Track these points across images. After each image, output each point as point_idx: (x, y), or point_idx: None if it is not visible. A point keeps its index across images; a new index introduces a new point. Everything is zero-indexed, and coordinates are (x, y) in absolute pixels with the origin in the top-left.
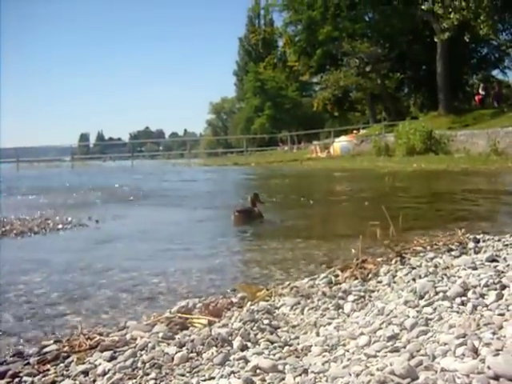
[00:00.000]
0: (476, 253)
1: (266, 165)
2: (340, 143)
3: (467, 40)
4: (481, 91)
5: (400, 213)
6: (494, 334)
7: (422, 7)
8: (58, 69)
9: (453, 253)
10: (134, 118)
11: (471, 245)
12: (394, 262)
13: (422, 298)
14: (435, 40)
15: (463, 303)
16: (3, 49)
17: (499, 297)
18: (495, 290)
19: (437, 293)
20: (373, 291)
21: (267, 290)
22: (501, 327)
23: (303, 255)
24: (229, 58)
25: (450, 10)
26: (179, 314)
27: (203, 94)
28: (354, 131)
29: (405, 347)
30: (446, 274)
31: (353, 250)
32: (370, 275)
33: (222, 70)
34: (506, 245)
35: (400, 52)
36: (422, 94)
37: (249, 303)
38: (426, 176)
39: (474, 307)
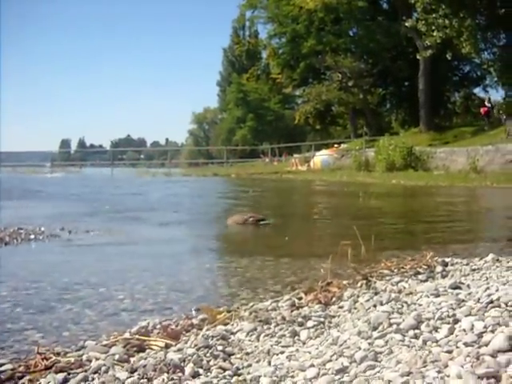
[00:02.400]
0: (443, 277)
1: (245, 176)
2: (321, 157)
3: (449, 58)
4: (487, 103)
5: (374, 231)
6: (438, 372)
7: (406, 24)
8: (42, 73)
9: (420, 276)
10: (116, 126)
11: (439, 268)
12: (359, 285)
13: (375, 329)
14: (418, 57)
15: (416, 336)
16: None
17: (450, 331)
18: (448, 323)
19: (391, 324)
20: (333, 317)
21: (228, 312)
22: (446, 365)
23: (271, 274)
24: (212, 68)
25: (433, 27)
26: (137, 336)
27: (186, 103)
28: (335, 145)
29: (351, 382)
30: (406, 302)
31: (322, 270)
32: (333, 299)
33: (206, 81)
34: (474, 269)
35: (383, 68)
36: (404, 110)
37: (205, 327)
38: (404, 193)
39: (424, 342)
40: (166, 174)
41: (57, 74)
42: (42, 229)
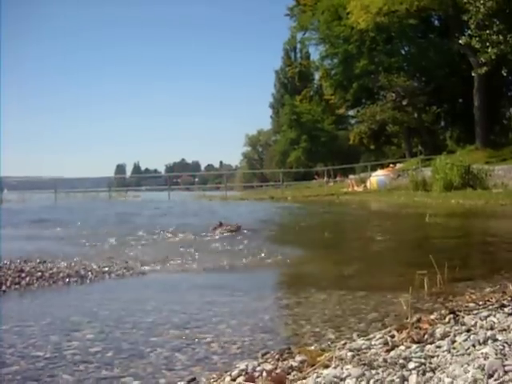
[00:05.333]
0: None
1: (302, 199)
2: (377, 177)
3: (504, 74)
4: None
5: (442, 257)
6: None
7: (459, 41)
8: (96, 101)
9: (506, 309)
10: (171, 150)
11: None
12: (447, 320)
13: (490, 376)
14: (472, 74)
15: None
16: (47, 82)
17: None
18: None
19: (506, 372)
20: (432, 357)
21: (322, 351)
22: None
23: (351, 311)
24: (265, 90)
25: (488, 44)
26: (243, 382)
27: (239, 126)
28: (391, 165)
29: None
30: (507, 342)
31: (402, 304)
32: (425, 336)
33: (258, 103)
34: None
35: (436, 85)
36: (459, 127)
37: (307, 370)
38: (466, 213)
39: None
40: (222, 198)
41: (110, 100)
42: (115, 262)
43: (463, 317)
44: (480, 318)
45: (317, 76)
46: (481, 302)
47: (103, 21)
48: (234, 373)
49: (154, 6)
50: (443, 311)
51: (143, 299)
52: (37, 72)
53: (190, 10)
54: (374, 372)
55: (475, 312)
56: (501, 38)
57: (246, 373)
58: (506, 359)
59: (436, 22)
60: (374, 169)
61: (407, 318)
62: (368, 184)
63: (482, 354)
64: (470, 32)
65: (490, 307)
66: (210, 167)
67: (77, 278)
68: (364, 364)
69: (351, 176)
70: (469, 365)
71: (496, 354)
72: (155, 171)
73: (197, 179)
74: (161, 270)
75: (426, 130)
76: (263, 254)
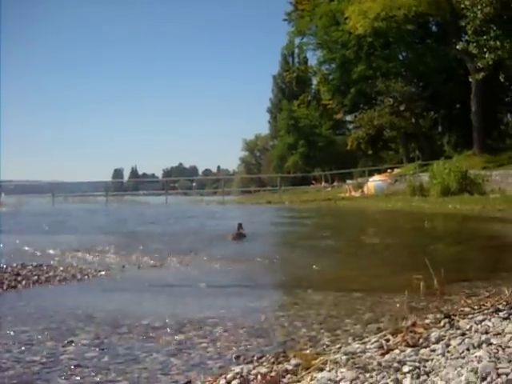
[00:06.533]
0: None
1: (300, 204)
2: (374, 182)
3: (502, 79)
4: None
5: (438, 260)
6: None
7: (457, 47)
8: (93, 102)
9: (501, 314)
10: (168, 154)
11: None
12: (442, 324)
13: (484, 379)
14: (470, 79)
15: None
16: (37, 84)
17: None
18: None
19: (499, 375)
20: (427, 361)
21: (317, 354)
22: None
23: (347, 311)
24: (263, 95)
25: (485, 49)
26: None
27: (237, 130)
28: (388, 170)
29: None
30: (500, 346)
31: (397, 305)
32: (420, 340)
33: (256, 107)
34: None
35: (434, 91)
36: (456, 132)
37: (302, 373)
38: (463, 218)
39: None
40: (220, 203)
41: (108, 104)
42: (112, 263)
43: (458, 321)
44: (475, 322)
45: (314, 81)
46: (476, 307)
47: (98, 21)
48: (229, 376)
49: (152, 15)
50: (438, 315)
51: (138, 301)
52: (34, 71)
53: (190, 12)
54: (368, 375)
55: (470, 316)
56: (498, 43)
57: (241, 376)
58: (500, 362)
59: (434, 28)
60: (371, 174)
61: (403, 319)
62: (365, 189)
63: (475, 357)
64: (467, 38)
65: (486, 311)
66: (207, 172)
67: (73, 281)
68: (358, 367)
69: (349, 181)
70: (462, 368)
71: (490, 358)
72: (153, 175)
73: (194, 184)
74: (158, 272)
75: (424, 136)
76: (259, 259)
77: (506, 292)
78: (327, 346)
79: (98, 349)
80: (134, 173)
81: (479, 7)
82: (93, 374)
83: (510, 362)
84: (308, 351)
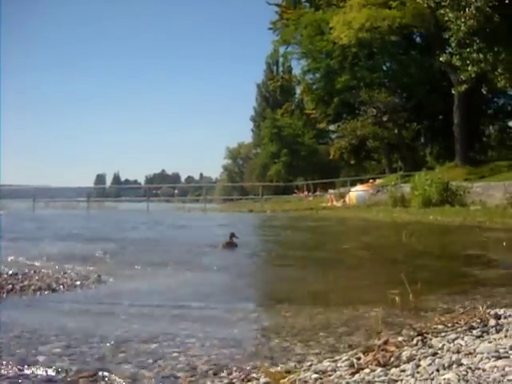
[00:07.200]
0: (497, 331)
1: (281, 213)
2: (356, 192)
3: (484, 92)
4: None
5: (417, 274)
6: None
7: (440, 59)
8: (76, 107)
9: (474, 332)
10: (151, 161)
11: (492, 322)
12: (415, 342)
13: None
14: (453, 91)
15: None
16: (17, 85)
17: None
18: None
19: None
20: (396, 381)
21: (287, 372)
22: None
23: (321, 325)
24: (246, 103)
25: (468, 62)
26: None
27: (220, 138)
28: (370, 180)
29: None
30: (470, 368)
31: (373, 319)
32: (391, 359)
33: (240, 116)
34: None
35: (417, 102)
36: (439, 144)
37: None
38: (443, 231)
39: None
40: (201, 210)
41: (91, 109)
42: (88, 274)
43: (431, 339)
44: (447, 341)
45: (298, 90)
46: (450, 324)
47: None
48: None
49: (136, 18)
50: (411, 332)
51: (110, 312)
52: (14, 73)
53: (172, 21)
54: None
55: (443, 334)
56: (481, 56)
57: None
58: None
59: (418, 39)
60: (353, 184)
61: (377, 335)
62: (347, 199)
63: (444, 379)
64: (450, 50)
65: (459, 329)
66: (190, 179)
67: (48, 291)
68: None
69: (331, 190)
70: None
71: (458, 381)
72: (135, 182)
73: (176, 191)
74: (135, 283)
75: (406, 146)
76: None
77: (481, 309)
78: (298, 362)
79: (67, 359)
80: (116, 179)
81: (463, 20)
82: None
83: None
84: (279, 368)
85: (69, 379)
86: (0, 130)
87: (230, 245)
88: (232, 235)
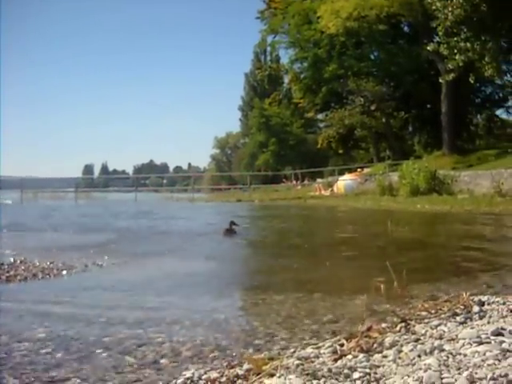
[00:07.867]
0: (481, 318)
1: (269, 202)
2: (344, 181)
3: (472, 81)
4: None
5: (403, 261)
6: None
7: (428, 48)
8: (64, 98)
9: (457, 318)
10: (139, 151)
11: (476, 309)
12: (398, 328)
13: None
14: (440, 80)
15: None
16: (4, 76)
17: None
18: None
19: None
20: (378, 367)
21: (270, 359)
22: None
23: (307, 312)
24: (234, 93)
25: (455, 51)
26: None
27: (208, 128)
28: (358, 169)
29: None
30: (451, 353)
31: (357, 307)
32: (374, 345)
33: (228, 105)
34: (511, 310)
35: (405, 91)
36: (427, 132)
37: (252, 379)
38: (430, 219)
39: None
40: (189, 200)
41: (79, 100)
42: (74, 262)
43: (414, 325)
44: (431, 327)
45: (286, 79)
46: (433, 311)
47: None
48: (180, 381)
49: (123, 12)
50: (395, 319)
51: (97, 298)
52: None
53: (159, 12)
54: (315, 382)
55: (427, 321)
56: (468, 45)
57: (192, 381)
58: (448, 371)
59: (405, 28)
60: (341, 173)
61: (361, 322)
62: (335, 188)
63: (424, 364)
64: (438, 39)
65: (442, 316)
66: (178, 169)
67: (35, 280)
68: (307, 374)
69: (319, 180)
70: (409, 376)
71: (439, 366)
72: (123, 172)
73: (165, 181)
74: (121, 271)
75: (394, 135)
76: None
77: (464, 296)
78: (282, 349)
79: (52, 344)
80: (104, 169)
81: (450, 9)
82: (45, 371)
83: (458, 369)
84: (262, 355)
85: (53, 362)
86: None
87: (230, 232)
88: (232, 223)
